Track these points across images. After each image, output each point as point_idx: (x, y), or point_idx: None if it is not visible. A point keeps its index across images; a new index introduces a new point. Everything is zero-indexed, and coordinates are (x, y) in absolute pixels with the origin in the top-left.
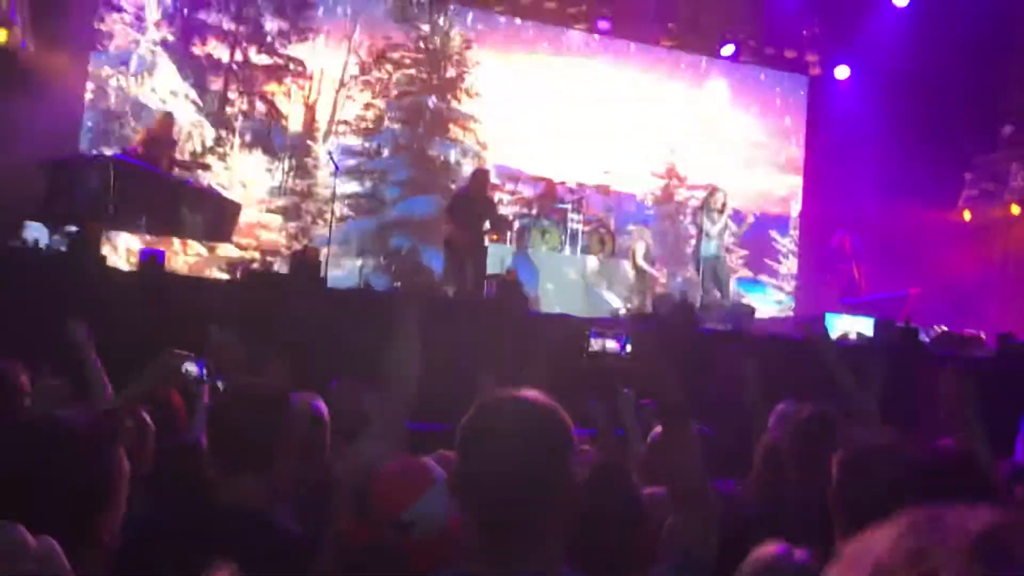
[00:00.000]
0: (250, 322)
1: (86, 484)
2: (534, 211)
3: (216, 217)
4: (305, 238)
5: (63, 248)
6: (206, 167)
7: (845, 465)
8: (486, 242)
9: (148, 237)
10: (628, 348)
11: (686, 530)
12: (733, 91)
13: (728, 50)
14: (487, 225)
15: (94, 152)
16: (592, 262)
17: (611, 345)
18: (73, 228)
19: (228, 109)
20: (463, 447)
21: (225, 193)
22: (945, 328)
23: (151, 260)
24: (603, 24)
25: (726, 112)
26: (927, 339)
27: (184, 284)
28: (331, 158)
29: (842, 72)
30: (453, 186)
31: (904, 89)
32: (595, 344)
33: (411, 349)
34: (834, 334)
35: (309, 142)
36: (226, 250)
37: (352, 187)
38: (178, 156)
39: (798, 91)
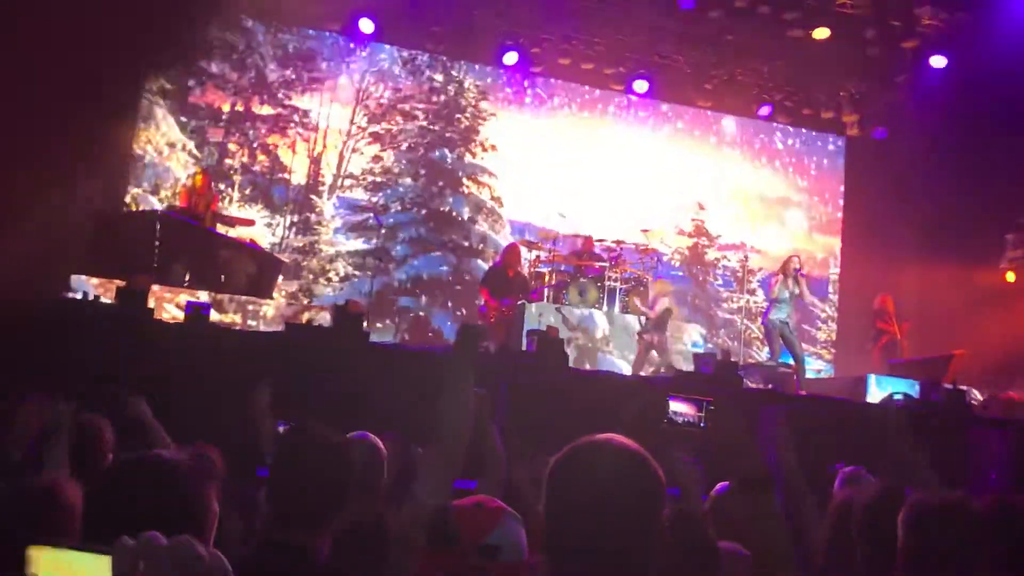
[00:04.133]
0: (293, 375)
1: (186, 519)
2: (571, 268)
3: (258, 273)
4: (306, 297)
5: (111, 301)
6: (249, 222)
7: (910, 522)
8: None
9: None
10: (706, 414)
11: None
12: (769, 151)
13: (764, 111)
14: (520, 299)
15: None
16: (603, 323)
17: (688, 409)
18: (120, 282)
19: (227, 161)
20: (553, 484)
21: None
22: (986, 392)
23: (196, 312)
24: (641, 85)
25: (761, 172)
26: (973, 401)
27: (229, 336)
28: (375, 217)
29: (879, 133)
30: (466, 244)
31: (943, 149)
32: (674, 407)
33: (464, 408)
34: (877, 397)
35: (313, 196)
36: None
37: (357, 245)
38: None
39: (836, 151)
